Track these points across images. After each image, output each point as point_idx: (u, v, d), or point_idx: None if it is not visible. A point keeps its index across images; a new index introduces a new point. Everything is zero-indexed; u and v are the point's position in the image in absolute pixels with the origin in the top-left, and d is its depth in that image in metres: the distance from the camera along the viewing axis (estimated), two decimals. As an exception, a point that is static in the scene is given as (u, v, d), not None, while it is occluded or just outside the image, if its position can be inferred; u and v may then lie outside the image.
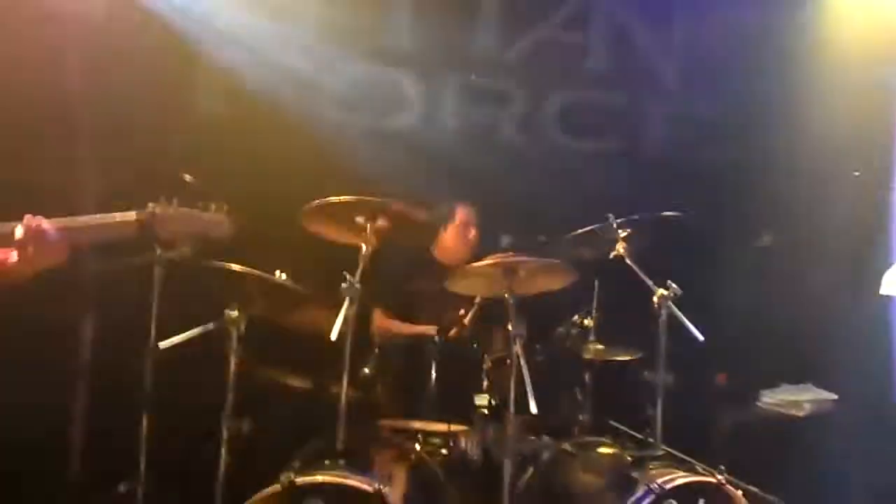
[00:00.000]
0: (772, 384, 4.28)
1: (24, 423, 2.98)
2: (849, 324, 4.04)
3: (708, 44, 4.68)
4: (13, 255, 2.06)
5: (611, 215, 3.21)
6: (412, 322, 3.68)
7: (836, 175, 4.16)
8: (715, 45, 4.66)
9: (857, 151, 4.11)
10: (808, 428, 4.08)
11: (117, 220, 2.15)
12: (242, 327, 2.95)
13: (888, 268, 3.81)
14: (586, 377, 3.39)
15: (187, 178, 2.91)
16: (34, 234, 2.04)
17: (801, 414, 4.12)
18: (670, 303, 2.98)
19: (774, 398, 4.22)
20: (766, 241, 4.51)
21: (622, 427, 3.48)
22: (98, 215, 2.15)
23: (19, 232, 2.04)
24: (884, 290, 3.80)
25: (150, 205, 2.20)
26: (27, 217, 2.06)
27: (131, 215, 2.16)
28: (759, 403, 4.25)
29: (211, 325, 2.98)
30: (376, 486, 2.54)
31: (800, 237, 4.29)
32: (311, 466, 2.69)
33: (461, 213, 3.93)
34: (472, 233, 3.90)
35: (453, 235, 3.90)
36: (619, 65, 4.80)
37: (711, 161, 4.77)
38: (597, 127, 4.81)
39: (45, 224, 2.06)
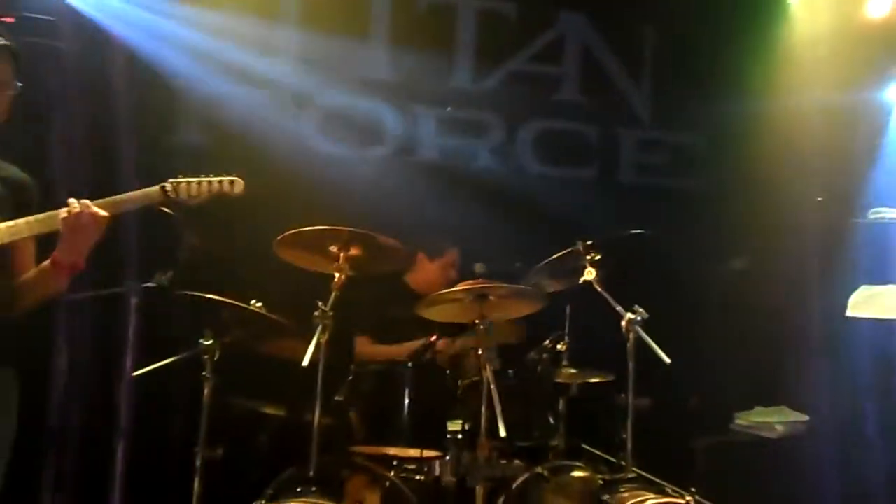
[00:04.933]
0: (745, 406, 4.34)
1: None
2: (817, 346, 4.12)
3: (677, 72, 4.83)
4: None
5: (578, 241, 3.27)
6: (395, 344, 3.71)
7: (803, 199, 4.26)
8: (684, 74, 4.80)
9: (822, 176, 4.22)
10: (781, 449, 4.13)
11: (144, 192, 2.36)
12: (217, 355, 3.00)
13: (853, 291, 3.89)
14: (559, 401, 3.43)
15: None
16: (80, 213, 2.22)
17: (773, 436, 4.18)
18: (637, 327, 3.03)
19: (748, 420, 4.27)
20: (738, 264, 4.61)
21: (595, 451, 3.52)
22: (125, 194, 2.36)
23: (66, 213, 2.22)
24: (849, 313, 3.87)
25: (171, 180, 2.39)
26: (71, 200, 2.23)
27: (156, 188, 2.38)
28: (732, 426, 4.30)
29: (185, 354, 3.02)
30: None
31: (769, 261, 4.38)
32: (283, 494, 2.70)
33: (450, 255, 4.01)
34: (454, 274, 3.96)
35: (436, 272, 3.98)
36: (592, 95, 4.92)
37: (683, 187, 4.90)
38: (571, 155, 4.91)
39: (88, 202, 2.25)
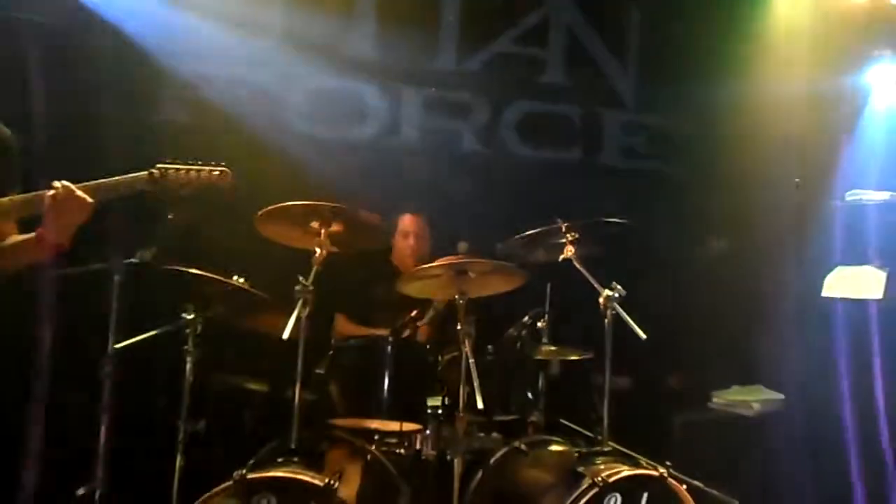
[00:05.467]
0: (723, 385, 4.41)
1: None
2: (793, 326, 4.20)
3: (661, 56, 4.86)
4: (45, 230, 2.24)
5: (559, 219, 3.31)
6: (372, 327, 3.76)
7: (781, 182, 4.32)
8: (667, 58, 4.84)
9: (800, 159, 4.27)
10: (756, 427, 4.21)
11: (132, 177, 2.37)
12: (199, 329, 3.03)
13: (829, 271, 3.96)
14: (539, 378, 3.48)
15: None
16: (65, 197, 2.23)
17: (750, 414, 4.26)
18: (615, 303, 3.08)
19: (725, 398, 4.35)
20: (717, 246, 4.67)
21: (573, 426, 3.58)
22: (114, 178, 2.36)
23: (50, 197, 2.23)
24: (825, 293, 3.95)
25: (158, 165, 2.40)
26: (55, 183, 2.25)
27: (143, 173, 2.38)
28: (710, 404, 4.37)
29: (167, 328, 3.05)
30: (326, 480, 2.60)
31: (747, 242, 4.45)
32: (264, 464, 2.75)
33: (402, 222, 4.04)
34: (412, 241, 3.99)
35: (397, 242, 4.02)
36: (576, 77, 4.95)
37: (664, 170, 4.95)
38: (554, 137, 4.95)
39: (73, 186, 2.26)
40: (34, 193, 2.31)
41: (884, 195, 3.91)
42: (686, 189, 4.75)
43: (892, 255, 3.89)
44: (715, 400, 4.37)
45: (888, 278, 3.86)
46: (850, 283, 3.95)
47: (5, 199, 2.31)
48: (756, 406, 4.28)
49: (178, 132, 4.25)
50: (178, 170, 2.43)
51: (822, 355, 4.11)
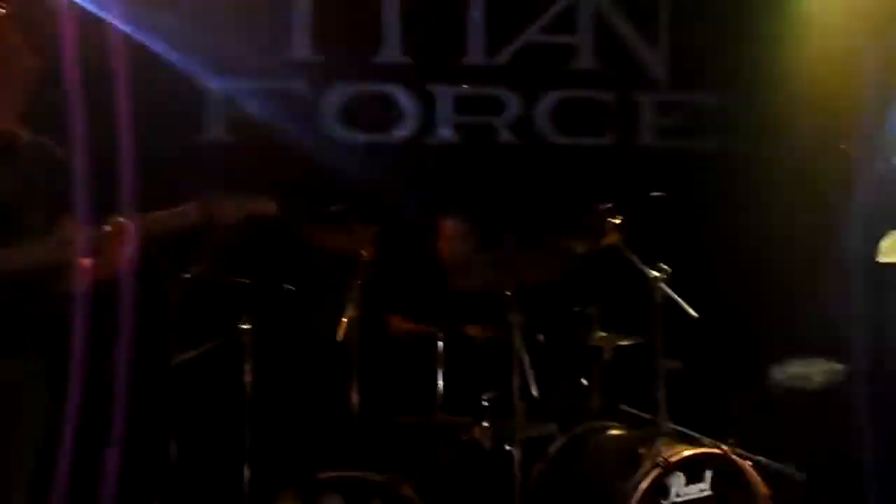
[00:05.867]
0: (780, 360, 4.32)
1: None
2: (851, 295, 4.10)
3: (693, 32, 4.80)
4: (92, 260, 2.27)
5: (600, 204, 3.30)
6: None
7: (828, 149, 4.23)
8: (700, 34, 4.77)
9: (843, 124, 4.18)
10: (819, 401, 4.13)
11: (181, 209, 2.38)
12: (255, 338, 3.10)
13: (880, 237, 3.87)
14: (592, 364, 3.47)
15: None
16: (120, 231, 2.26)
17: (811, 387, 4.17)
18: (663, 284, 3.07)
19: (784, 373, 4.27)
20: (761, 218, 4.57)
21: (630, 410, 3.55)
22: (163, 211, 2.38)
23: (107, 231, 2.27)
24: (880, 258, 3.85)
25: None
26: (113, 218, 2.28)
27: (193, 204, 2.37)
28: (768, 380, 4.29)
29: (224, 339, 3.13)
30: (390, 478, 2.64)
31: (795, 212, 4.36)
32: (329, 464, 2.80)
33: (444, 228, 3.98)
34: (459, 245, 3.94)
35: (442, 249, 4.00)
36: (608, 61, 4.91)
37: (704, 147, 4.87)
38: (590, 123, 4.91)
39: (127, 222, 2.29)
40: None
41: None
42: (726, 164, 4.67)
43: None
44: (774, 375, 4.29)
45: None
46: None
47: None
48: (817, 379, 4.19)
49: (220, 152, 4.33)
50: (226, 203, 2.45)
51: (882, 323, 4.02)
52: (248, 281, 3.07)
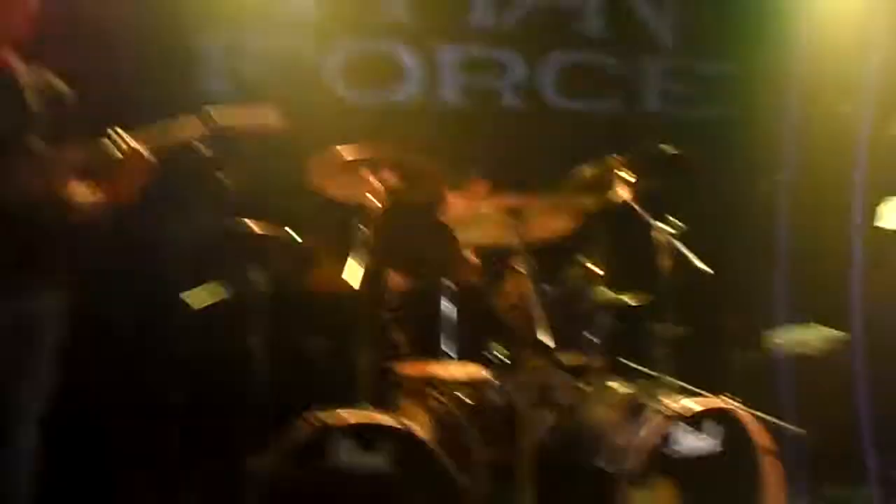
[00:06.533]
0: (781, 324, 4.36)
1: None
2: (853, 260, 4.13)
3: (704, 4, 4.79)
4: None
5: (611, 155, 3.29)
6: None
7: (833, 115, 4.24)
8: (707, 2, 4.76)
9: (849, 90, 4.19)
10: (818, 366, 4.17)
11: (184, 123, 2.39)
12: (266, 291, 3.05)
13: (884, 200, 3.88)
14: (597, 320, 3.47)
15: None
16: (134, 155, 2.28)
17: (810, 352, 4.21)
18: (676, 241, 3.07)
19: (784, 338, 4.30)
20: (770, 182, 4.58)
21: (634, 365, 3.56)
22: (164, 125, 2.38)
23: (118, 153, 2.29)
24: (878, 223, 3.87)
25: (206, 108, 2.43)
26: (118, 135, 2.30)
27: (195, 119, 2.39)
28: (768, 343, 4.33)
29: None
30: (405, 423, 2.63)
31: (801, 178, 4.38)
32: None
33: (477, 185, 3.98)
34: (466, 200, 3.92)
35: (466, 207, 3.98)
36: (614, 26, 4.89)
37: (712, 115, 4.87)
38: (595, 88, 4.90)
39: (135, 142, 2.31)
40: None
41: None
42: (736, 132, 4.68)
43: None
44: (774, 340, 4.33)
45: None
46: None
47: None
48: (816, 344, 4.22)
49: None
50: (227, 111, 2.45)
51: (883, 289, 4.05)
52: (256, 229, 3.03)
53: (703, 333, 4.29)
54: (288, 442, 2.64)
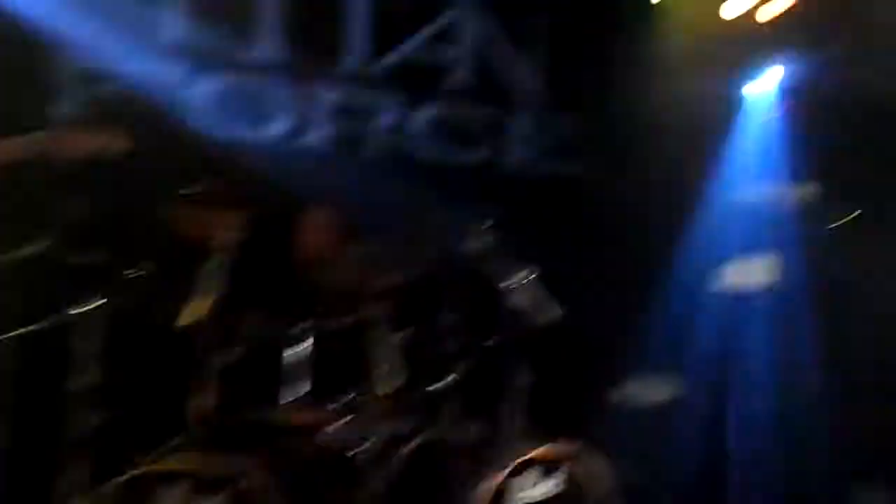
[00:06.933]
0: (622, 378, 4.54)
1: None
2: (690, 317, 4.40)
3: (569, 59, 5.04)
4: None
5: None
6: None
7: (678, 179, 4.53)
8: (576, 61, 5.01)
9: (695, 160, 4.50)
10: (657, 415, 4.37)
11: (26, 138, 2.27)
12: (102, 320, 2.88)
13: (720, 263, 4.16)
14: (453, 364, 3.47)
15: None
16: None
17: (650, 402, 4.40)
18: (525, 287, 3.15)
19: (627, 388, 4.48)
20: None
21: (489, 409, 3.58)
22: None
23: None
24: (718, 285, 4.15)
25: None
26: None
27: (38, 134, 2.28)
28: (619, 393, 4.49)
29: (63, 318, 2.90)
30: (233, 471, 2.52)
31: (647, 238, 4.63)
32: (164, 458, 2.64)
33: (309, 221, 3.94)
34: (322, 239, 3.87)
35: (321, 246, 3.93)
36: (486, 81, 5.05)
37: (573, 171, 5.09)
38: (464, 140, 5.02)
39: None
40: None
41: (770, 191, 4.15)
42: (594, 190, 4.90)
43: (779, 247, 4.13)
44: (624, 388, 4.49)
45: (777, 268, 4.10)
46: (743, 273, 4.17)
47: None
48: (657, 395, 4.43)
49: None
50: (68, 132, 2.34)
51: (716, 344, 4.32)
52: (95, 260, 2.86)
53: (558, 380, 4.42)
54: (112, 488, 2.48)
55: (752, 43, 4.41)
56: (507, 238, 3.53)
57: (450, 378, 3.43)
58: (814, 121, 4.19)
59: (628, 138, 4.81)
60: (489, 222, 3.47)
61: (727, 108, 4.38)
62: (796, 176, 4.22)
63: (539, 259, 3.82)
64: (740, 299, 4.23)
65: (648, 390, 4.43)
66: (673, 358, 4.45)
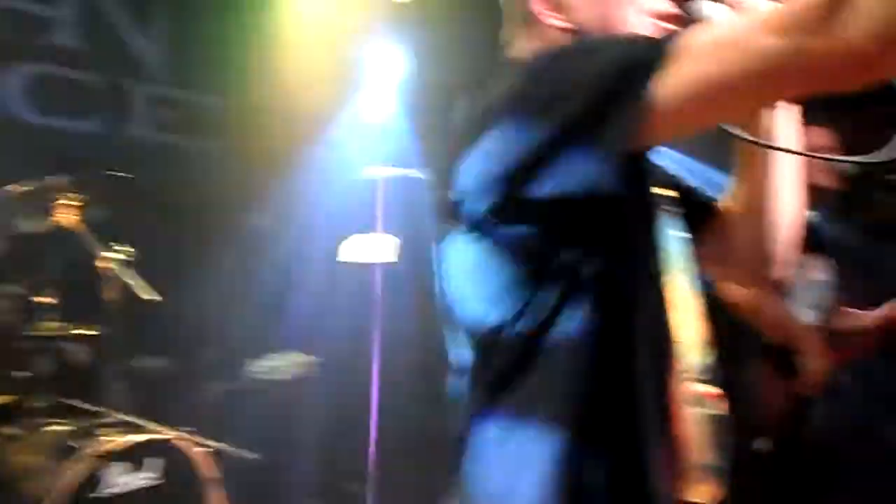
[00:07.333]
0: (258, 354, 4.51)
1: None
2: (321, 292, 4.49)
3: (194, 33, 4.79)
4: None
5: (50, 178, 3.03)
6: None
7: (306, 155, 4.59)
8: (200, 36, 4.78)
9: (317, 133, 4.59)
10: (290, 391, 4.40)
11: None
12: None
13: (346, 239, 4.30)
14: (40, 356, 3.13)
15: None
16: None
17: (285, 378, 4.42)
18: (120, 266, 2.93)
19: (260, 366, 4.45)
20: (255, 219, 4.77)
21: (83, 405, 3.29)
22: None
23: None
24: (340, 258, 4.28)
25: None
26: None
27: None
28: (245, 373, 4.43)
29: None
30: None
31: (281, 214, 4.63)
32: None
33: None
34: None
35: None
36: (95, 43, 4.61)
37: (202, 146, 4.89)
38: (73, 105, 4.54)
39: None
40: None
41: (394, 171, 4.35)
42: (224, 165, 4.76)
43: (400, 225, 4.37)
44: (251, 368, 4.45)
45: (398, 245, 4.34)
46: (364, 249, 4.34)
47: None
48: (290, 371, 4.46)
49: None
50: None
51: (344, 319, 4.47)
52: None
53: (180, 368, 4.24)
54: None
55: (371, 22, 4.57)
56: (108, 216, 3.29)
57: (37, 371, 3.09)
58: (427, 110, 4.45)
59: (245, 115, 4.74)
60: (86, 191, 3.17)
61: (344, 89, 4.50)
62: (414, 160, 4.47)
63: (141, 241, 3.59)
64: (359, 273, 4.40)
65: (275, 369, 4.44)
66: (307, 335, 4.50)
